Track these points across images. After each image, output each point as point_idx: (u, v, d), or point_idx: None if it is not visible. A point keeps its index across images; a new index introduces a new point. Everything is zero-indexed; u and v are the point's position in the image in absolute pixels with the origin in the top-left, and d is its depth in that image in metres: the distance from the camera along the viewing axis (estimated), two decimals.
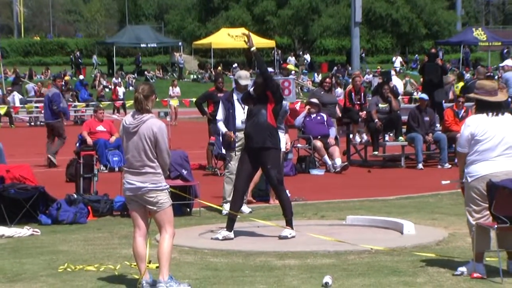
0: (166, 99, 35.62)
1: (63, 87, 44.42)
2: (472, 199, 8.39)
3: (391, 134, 20.30)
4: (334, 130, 18.87)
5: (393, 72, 35.37)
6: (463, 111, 18.82)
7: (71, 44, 67.67)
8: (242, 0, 63.47)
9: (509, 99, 20.46)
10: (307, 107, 19.15)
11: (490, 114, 8.45)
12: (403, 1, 61.26)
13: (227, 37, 58.08)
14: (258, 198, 14.16)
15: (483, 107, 8.52)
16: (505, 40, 62.09)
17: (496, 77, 41.95)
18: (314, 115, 18.72)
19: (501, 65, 43.07)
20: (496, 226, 8.15)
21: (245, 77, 13.05)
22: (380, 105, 19.28)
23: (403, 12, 60.84)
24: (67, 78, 47.44)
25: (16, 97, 38.60)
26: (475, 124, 8.43)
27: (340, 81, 40.07)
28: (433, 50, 23.43)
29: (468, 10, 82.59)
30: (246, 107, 12.89)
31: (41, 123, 37.54)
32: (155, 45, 61.90)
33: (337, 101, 20.94)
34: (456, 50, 61.96)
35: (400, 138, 19.05)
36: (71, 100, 40.48)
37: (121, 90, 43.30)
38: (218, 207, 12.84)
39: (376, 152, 19.36)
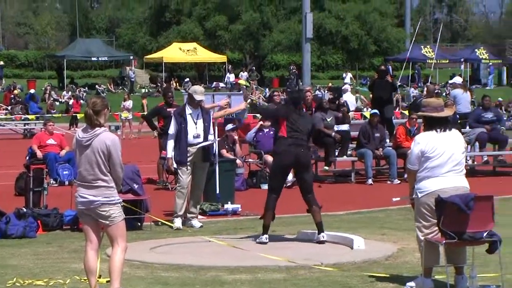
0: (117, 113, 35.48)
1: (12, 100, 44.08)
2: (421, 214, 8.49)
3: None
4: None
5: (348, 88, 35.72)
6: (415, 128, 19.01)
7: (21, 57, 67.05)
8: (193, 15, 63.53)
9: (457, 116, 20.82)
10: (260, 122, 19.24)
11: (439, 130, 8.57)
12: (353, 18, 61.82)
13: (178, 52, 58.07)
14: (210, 212, 14.16)
15: (432, 123, 8.63)
16: (453, 58, 62.97)
17: (444, 94, 42.57)
18: (267, 129, 18.80)
19: (450, 82, 43.64)
20: (444, 241, 8.25)
21: (200, 92, 13.09)
22: (327, 120, 19.40)
23: (352, 28, 61.39)
24: (16, 91, 46.91)
25: None
26: (425, 141, 8.54)
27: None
28: (382, 67, 23.63)
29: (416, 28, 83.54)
30: (198, 122, 12.97)
31: None
32: (106, 59, 61.61)
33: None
34: (405, 67, 62.65)
35: (345, 156, 19.28)
36: (21, 113, 40.06)
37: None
38: (168, 223, 12.86)
39: (326, 167, 19.49)
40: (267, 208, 11.32)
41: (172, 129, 12.99)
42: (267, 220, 11.29)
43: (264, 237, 11.22)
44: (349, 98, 33.81)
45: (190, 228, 12.78)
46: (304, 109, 19.80)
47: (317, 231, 11.32)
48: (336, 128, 19.80)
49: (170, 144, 12.96)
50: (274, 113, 12.29)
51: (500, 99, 45.47)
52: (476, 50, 61.69)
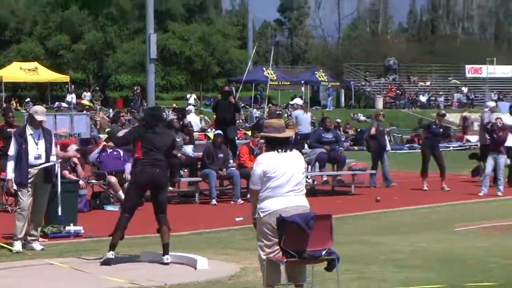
0: None
1: None
2: (264, 234, 8.63)
3: (186, 170, 20.59)
4: (130, 165, 18.86)
5: (192, 109, 35.96)
6: (257, 147, 19.33)
7: None
8: (34, 34, 62.32)
9: (298, 136, 21.34)
10: (103, 142, 19.07)
11: (280, 150, 8.74)
12: (197, 39, 62.29)
13: (19, 71, 56.75)
14: (52, 235, 13.90)
15: (273, 144, 8.79)
16: (294, 79, 64.47)
17: (285, 115, 43.46)
18: (110, 150, 18.64)
19: (291, 103, 44.57)
20: (285, 260, 8.42)
21: (41, 113, 12.84)
22: (177, 140, 19.53)
23: (196, 49, 61.84)
24: None
25: None
26: (267, 162, 8.69)
27: (137, 116, 40.11)
28: (226, 88, 23.85)
29: (258, 50, 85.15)
30: (40, 143, 12.71)
31: None
32: None
33: None
34: (248, 88, 63.62)
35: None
36: None
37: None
38: (7, 246, 12.54)
39: (171, 188, 19.50)
40: (118, 227, 11.26)
41: (12, 150, 12.69)
42: (115, 239, 11.22)
43: (110, 253, 11.13)
44: (193, 118, 34.06)
45: (31, 251, 12.51)
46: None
47: (162, 252, 11.32)
48: (182, 149, 19.92)
49: (10, 165, 12.66)
50: (125, 139, 12.18)
51: (338, 120, 46.90)
52: (316, 72, 63.38)
